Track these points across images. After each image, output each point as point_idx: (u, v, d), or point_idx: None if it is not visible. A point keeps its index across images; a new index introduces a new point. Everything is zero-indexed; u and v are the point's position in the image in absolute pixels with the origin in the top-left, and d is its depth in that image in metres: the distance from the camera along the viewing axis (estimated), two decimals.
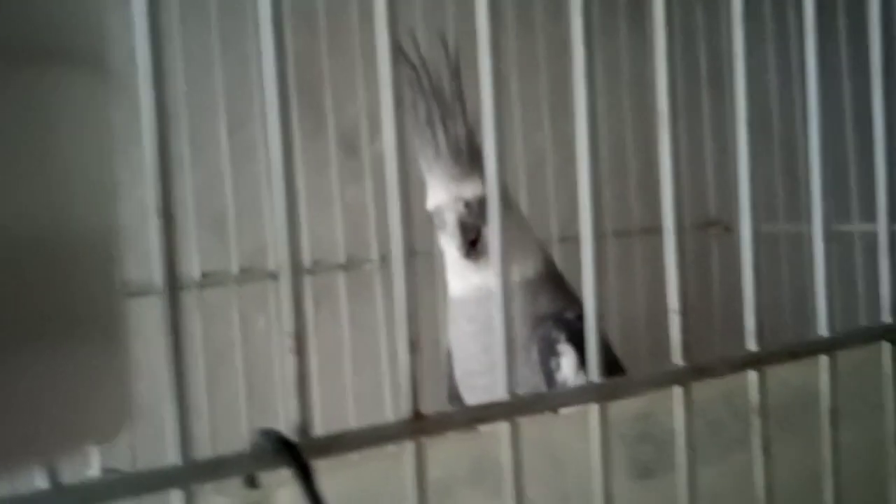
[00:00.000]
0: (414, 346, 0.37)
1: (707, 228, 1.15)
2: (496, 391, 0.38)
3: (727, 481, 0.46)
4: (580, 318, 0.84)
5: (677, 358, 0.41)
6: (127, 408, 0.25)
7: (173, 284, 0.32)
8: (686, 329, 0.41)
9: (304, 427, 0.34)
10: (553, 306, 0.84)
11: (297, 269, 0.34)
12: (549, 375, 0.79)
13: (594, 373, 0.39)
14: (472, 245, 0.82)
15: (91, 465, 0.71)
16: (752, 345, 0.42)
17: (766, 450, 0.41)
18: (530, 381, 0.79)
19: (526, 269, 0.85)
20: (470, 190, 0.83)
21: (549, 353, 0.80)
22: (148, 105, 0.32)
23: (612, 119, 1.10)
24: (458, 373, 0.86)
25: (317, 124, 0.99)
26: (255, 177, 0.93)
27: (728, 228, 1.13)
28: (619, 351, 0.86)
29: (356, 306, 0.95)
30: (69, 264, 0.23)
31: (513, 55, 1.02)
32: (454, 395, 0.86)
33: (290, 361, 0.34)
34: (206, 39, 0.91)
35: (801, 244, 1.04)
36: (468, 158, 0.83)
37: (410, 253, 0.36)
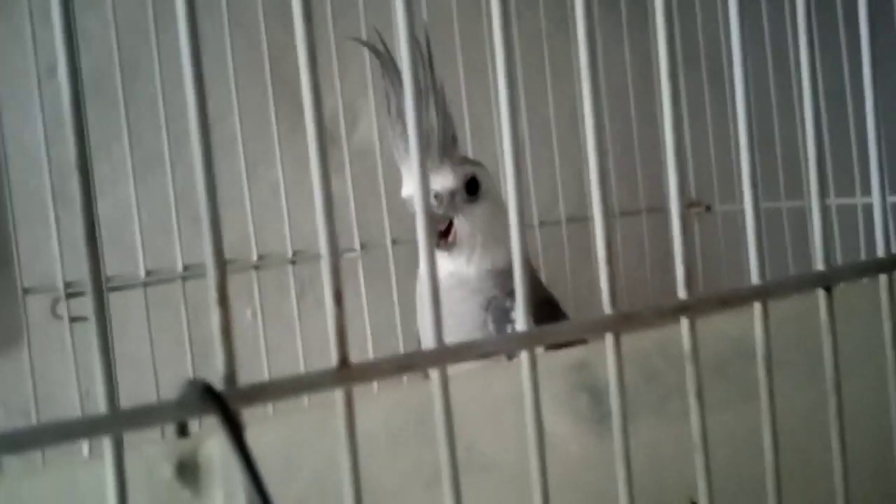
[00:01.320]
0: (339, 298, 0.38)
1: (689, 208, 1.16)
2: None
3: (666, 430, 0.47)
4: (544, 300, 0.87)
5: (606, 306, 0.42)
6: (18, 323, 0.26)
7: (95, 251, 0.33)
8: (613, 278, 0.42)
9: (229, 376, 0.35)
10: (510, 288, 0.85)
11: (216, 224, 0.35)
12: None
13: (523, 321, 0.40)
14: (443, 236, 0.85)
15: None
16: (682, 293, 0.43)
17: (700, 395, 0.42)
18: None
19: (496, 259, 0.87)
20: (440, 182, 0.85)
21: (503, 322, 0.82)
22: (64, 80, 0.33)
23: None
24: None
25: (295, 117, 1.00)
26: (235, 169, 0.95)
27: (709, 208, 1.15)
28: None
29: None
30: None
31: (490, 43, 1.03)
32: None
33: (215, 313, 0.35)
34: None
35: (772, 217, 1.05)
36: (439, 151, 0.84)
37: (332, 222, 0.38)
